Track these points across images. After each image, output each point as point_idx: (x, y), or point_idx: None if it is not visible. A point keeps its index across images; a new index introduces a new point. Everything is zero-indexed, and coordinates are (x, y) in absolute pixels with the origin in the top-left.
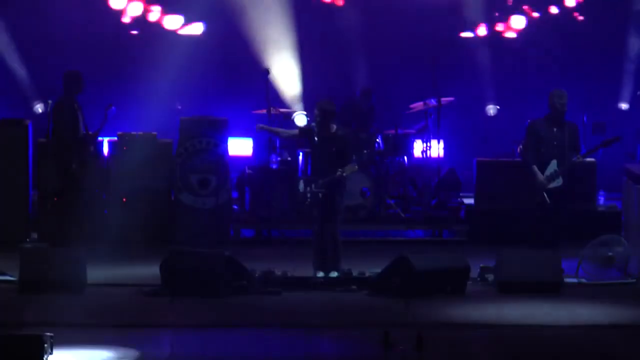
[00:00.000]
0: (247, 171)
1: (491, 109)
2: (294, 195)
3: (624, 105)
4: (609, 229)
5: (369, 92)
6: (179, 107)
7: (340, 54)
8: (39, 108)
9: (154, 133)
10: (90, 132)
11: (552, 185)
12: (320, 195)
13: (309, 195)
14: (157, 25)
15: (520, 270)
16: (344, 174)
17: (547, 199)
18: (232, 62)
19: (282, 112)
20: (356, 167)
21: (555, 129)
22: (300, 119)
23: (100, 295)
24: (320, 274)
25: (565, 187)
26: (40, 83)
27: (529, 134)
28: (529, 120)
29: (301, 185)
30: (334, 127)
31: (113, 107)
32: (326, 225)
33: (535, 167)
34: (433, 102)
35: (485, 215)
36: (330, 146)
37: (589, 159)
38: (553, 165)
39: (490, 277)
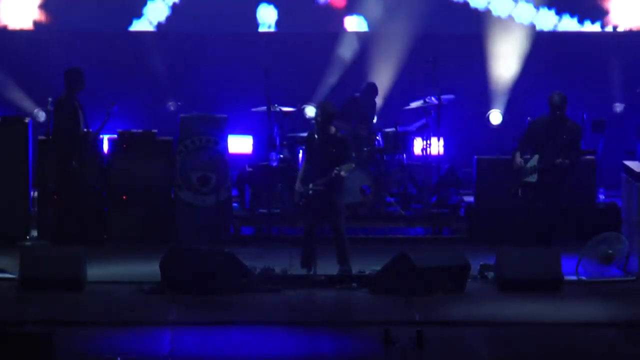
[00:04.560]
0: (247, 169)
1: (493, 116)
2: (292, 193)
3: (618, 108)
4: (609, 226)
5: (374, 88)
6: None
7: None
8: (39, 115)
9: (154, 131)
10: (90, 130)
11: (527, 179)
12: (311, 192)
13: (302, 194)
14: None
15: (520, 268)
16: (342, 173)
17: (519, 192)
18: (232, 60)
19: (282, 110)
20: (353, 165)
21: (553, 129)
22: (310, 110)
23: (100, 293)
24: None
25: (560, 184)
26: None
27: (526, 130)
28: (528, 118)
29: (298, 185)
30: (333, 129)
31: (116, 106)
32: (330, 224)
33: (517, 153)
34: (433, 99)
35: (485, 213)
36: (329, 148)
37: (589, 157)
38: (533, 161)
39: (490, 274)
